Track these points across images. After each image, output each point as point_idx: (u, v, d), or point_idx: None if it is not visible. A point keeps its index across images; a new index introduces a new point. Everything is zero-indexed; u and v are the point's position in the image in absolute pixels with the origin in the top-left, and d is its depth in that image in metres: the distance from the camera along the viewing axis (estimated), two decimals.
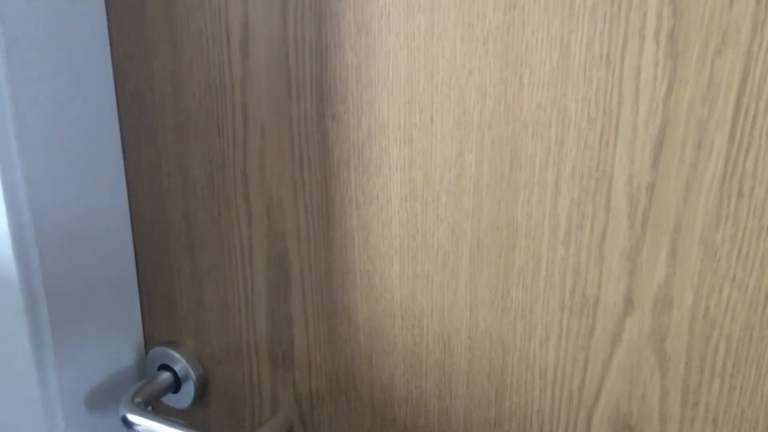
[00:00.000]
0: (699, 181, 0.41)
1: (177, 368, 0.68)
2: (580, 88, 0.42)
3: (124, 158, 0.64)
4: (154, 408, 0.72)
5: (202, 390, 0.68)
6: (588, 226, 0.44)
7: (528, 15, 0.42)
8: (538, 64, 0.43)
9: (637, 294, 0.44)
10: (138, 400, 0.64)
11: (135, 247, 0.67)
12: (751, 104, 0.38)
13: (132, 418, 0.62)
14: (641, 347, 0.45)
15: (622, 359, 0.46)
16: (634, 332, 0.45)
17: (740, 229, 0.40)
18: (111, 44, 0.60)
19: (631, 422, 0.47)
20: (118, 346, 0.68)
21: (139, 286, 0.68)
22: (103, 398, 0.67)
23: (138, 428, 0.62)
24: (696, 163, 0.40)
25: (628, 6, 0.39)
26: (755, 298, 0.41)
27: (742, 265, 0.41)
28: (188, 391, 0.68)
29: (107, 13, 0.60)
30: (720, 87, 0.39)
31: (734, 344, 0.42)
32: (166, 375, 0.68)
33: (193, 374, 0.67)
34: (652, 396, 0.46)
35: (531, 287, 0.48)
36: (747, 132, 0.39)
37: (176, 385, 0.68)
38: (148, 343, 0.70)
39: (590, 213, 0.44)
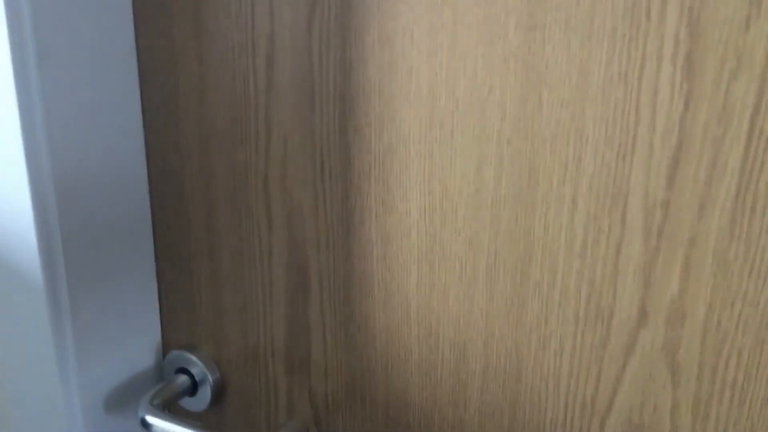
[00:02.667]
0: (713, 198, 0.42)
1: (194, 371, 0.69)
2: (598, 106, 0.43)
3: (148, 165, 0.65)
4: (171, 411, 0.73)
5: (219, 393, 0.70)
6: (604, 241, 0.46)
7: (548, 35, 0.44)
8: (558, 83, 0.44)
9: (650, 307, 0.45)
10: (156, 402, 0.65)
11: (156, 251, 0.68)
12: (765, 124, 0.40)
13: (150, 419, 0.64)
14: (654, 359, 0.46)
15: (635, 371, 0.47)
16: (647, 344, 0.46)
17: (752, 245, 0.42)
18: (138, 56, 0.62)
19: None
20: (137, 349, 0.69)
21: (159, 290, 0.70)
22: (122, 400, 0.69)
23: (156, 430, 0.63)
24: (710, 181, 0.42)
25: (647, 28, 0.41)
26: (766, 313, 0.42)
27: (754, 280, 0.42)
28: (205, 394, 0.70)
29: (135, 26, 0.61)
30: (735, 108, 0.40)
31: (745, 358, 0.43)
32: (183, 378, 0.69)
33: (210, 378, 0.69)
34: (664, 407, 0.47)
35: (546, 299, 0.49)
36: (761, 151, 0.40)
37: (193, 388, 0.70)
38: (167, 346, 0.72)
39: (606, 228, 0.45)
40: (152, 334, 0.71)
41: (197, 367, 0.69)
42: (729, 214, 0.42)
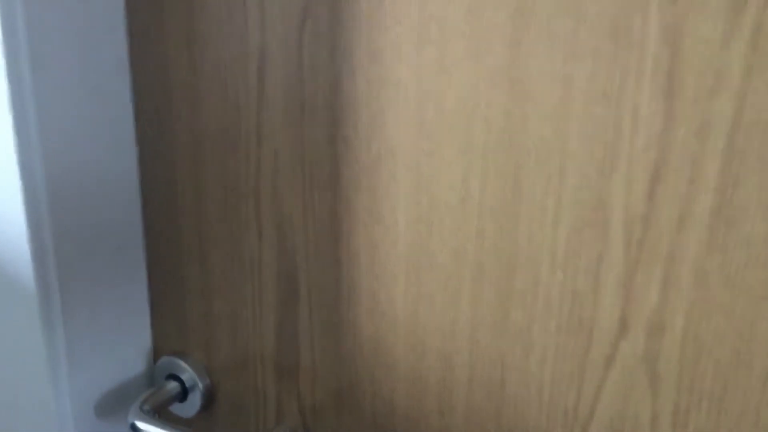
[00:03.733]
0: (691, 213, 0.43)
1: (185, 378, 0.70)
2: (580, 122, 0.44)
3: (140, 173, 0.66)
4: (161, 416, 0.74)
5: (209, 400, 0.70)
6: (585, 253, 0.47)
7: (533, 52, 0.45)
8: (542, 98, 0.45)
9: (631, 318, 0.46)
10: (146, 407, 0.66)
11: (147, 258, 0.69)
12: (743, 141, 0.41)
13: (140, 425, 0.64)
14: (634, 369, 0.47)
15: (616, 380, 0.48)
16: (627, 354, 0.47)
17: (730, 259, 0.43)
18: (131, 65, 0.63)
19: None
20: (128, 355, 0.70)
21: (150, 296, 0.71)
22: (113, 405, 0.69)
23: None
24: (689, 196, 0.43)
25: (628, 47, 0.42)
26: (742, 325, 0.43)
27: (731, 293, 0.43)
28: (195, 400, 0.70)
29: (128, 35, 0.62)
30: (713, 124, 0.41)
31: (722, 369, 0.44)
32: (173, 384, 0.70)
33: (200, 384, 0.69)
34: (644, 416, 0.48)
35: (530, 309, 0.50)
36: (738, 167, 0.41)
37: (183, 394, 0.70)
38: (157, 352, 0.72)
39: (588, 240, 0.46)
40: (143, 341, 0.71)
41: (187, 374, 0.70)
42: (707, 228, 0.43)
